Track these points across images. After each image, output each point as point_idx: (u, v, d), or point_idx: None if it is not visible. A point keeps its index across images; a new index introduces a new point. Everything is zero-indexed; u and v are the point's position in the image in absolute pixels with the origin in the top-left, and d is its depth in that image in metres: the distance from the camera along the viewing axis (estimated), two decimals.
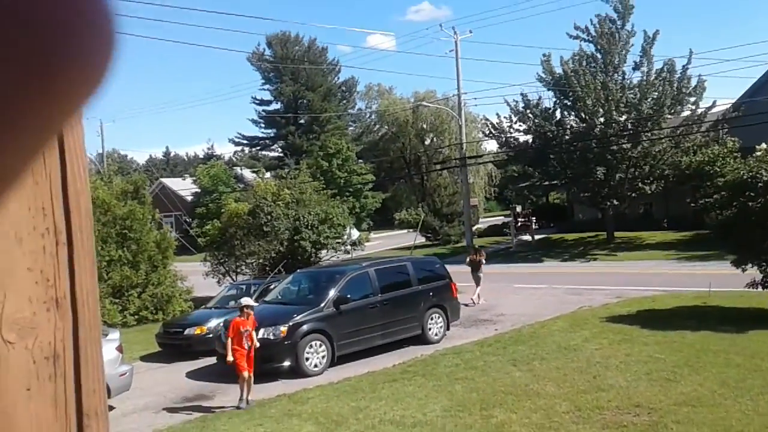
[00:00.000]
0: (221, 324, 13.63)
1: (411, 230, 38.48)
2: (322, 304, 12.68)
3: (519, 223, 38.65)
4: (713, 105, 30.57)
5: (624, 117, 30.22)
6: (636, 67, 31.33)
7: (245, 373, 9.90)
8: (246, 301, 10.70)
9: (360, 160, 51.54)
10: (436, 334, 14.14)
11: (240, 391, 10.05)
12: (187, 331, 14.54)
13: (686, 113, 31.21)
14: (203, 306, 17.13)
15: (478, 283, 19.01)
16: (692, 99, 30.69)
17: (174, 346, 14.63)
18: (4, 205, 0.89)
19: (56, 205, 0.97)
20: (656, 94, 29.93)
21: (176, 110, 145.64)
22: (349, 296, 12.93)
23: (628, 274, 23.44)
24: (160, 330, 15.44)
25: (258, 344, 10.34)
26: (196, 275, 22.24)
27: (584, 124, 31.03)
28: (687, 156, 30.50)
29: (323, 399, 9.96)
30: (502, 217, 49.81)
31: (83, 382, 0.98)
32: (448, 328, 14.50)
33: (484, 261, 19.68)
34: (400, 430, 8.20)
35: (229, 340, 10.05)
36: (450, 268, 16.76)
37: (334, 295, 12.82)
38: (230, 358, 9.91)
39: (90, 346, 1.00)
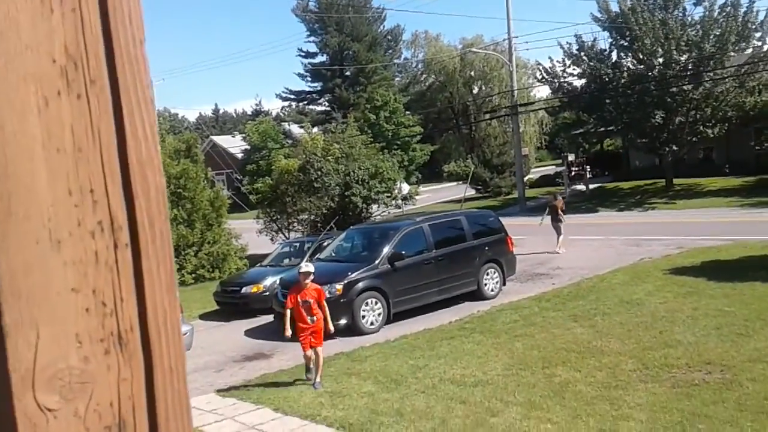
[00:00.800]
0: (277, 282, 13.71)
1: (460, 183, 37.96)
2: (377, 261, 12.59)
3: (572, 173, 37.70)
4: None
5: (684, 56, 28.77)
6: (698, 2, 29.67)
7: (308, 352, 8.76)
8: (305, 267, 9.08)
9: (407, 112, 50.82)
10: (492, 290, 13.94)
11: (306, 368, 9.01)
12: (244, 290, 14.70)
13: (751, 50, 29.54)
14: (259, 264, 17.28)
15: (558, 232, 18.69)
16: (758, 34, 29.00)
17: (232, 304, 14.83)
18: (29, 188, 0.60)
19: (112, 185, 0.66)
20: (719, 30, 28.33)
21: (224, 66, 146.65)
22: (403, 252, 12.79)
23: (689, 222, 22.63)
24: (217, 288, 15.67)
25: (322, 314, 8.91)
26: (249, 233, 22.47)
27: (642, 66, 29.74)
28: (752, 96, 29.06)
29: (381, 357, 9.91)
30: (553, 167, 48.77)
31: None
32: (504, 283, 14.28)
33: (563, 207, 19.24)
34: (461, 389, 8.08)
35: (288, 312, 8.75)
36: (502, 220, 16.42)
37: (388, 252, 12.70)
38: (288, 332, 8.74)
39: (172, 402, 0.70)
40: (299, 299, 8.72)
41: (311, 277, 8.83)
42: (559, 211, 18.88)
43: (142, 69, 0.69)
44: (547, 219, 19.18)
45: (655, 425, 6.47)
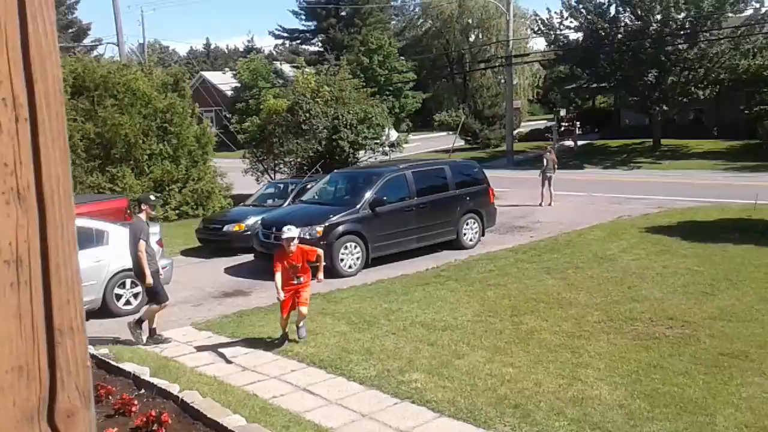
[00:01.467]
0: (259, 222, 13.83)
1: (451, 133, 37.88)
2: (358, 206, 12.70)
3: (562, 128, 37.69)
4: None
5: (683, 15, 28.51)
6: None
7: (286, 315, 8.23)
8: (288, 232, 8.17)
9: (401, 57, 50.14)
10: (470, 240, 14.14)
11: (281, 335, 8.32)
12: (226, 228, 14.81)
13: (749, 12, 29.28)
14: (242, 203, 17.36)
15: (550, 184, 19.12)
16: None
17: (213, 241, 14.97)
18: None
19: (15, 69, 0.79)
20: None
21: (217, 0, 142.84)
22: (385, 198, 12.90)
23: (672, 183, 22.88)
24: (200, 225, 15.77)
25: (317, 279, 8.49)
26: (235, 172, 22.47)
27: (639, 22, 29.48)
28: (746, 59, 28.94)
29: (356, 299, 10.14)
30: (545, 121, 48.65)
31: (54, 291, 0.82)
32: (483, 234, 14.47)
33: (555, 160, 19.74)
34: (430, 332, 8.32)
35: (278, 275, 8.05)
36: (489, 173, 16.53)
37: (370, 197, 12.80)
38: (282, 296, 8.04)
39: (62, 248, 0.84)
40: (286, 265, 8.12)
41: (295, 241, 8.16)
42: (553, 164, 19.29)
43: None
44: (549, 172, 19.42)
45: (611, 373, 6.75)
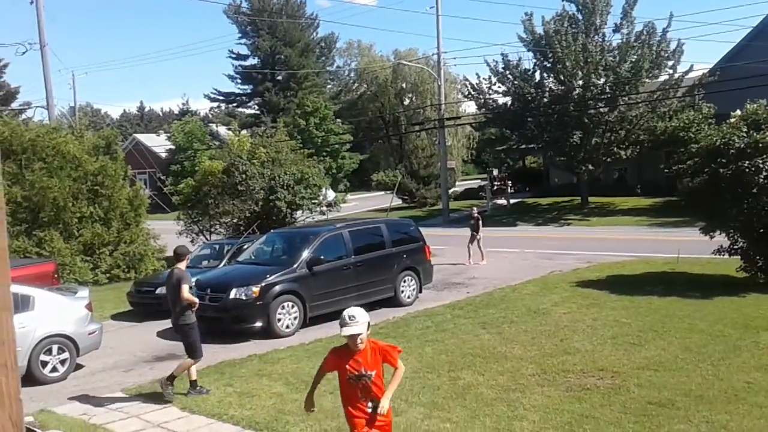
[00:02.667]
0: (192, 283, 13.56)
1: (388, 192, 38.46)
2: (295, 265, 12.66)
3: (495, 187, 38.81)
4: (690, 69, 30.69)
5: (602, 80, 30.22)
6: (616, 29, 31.25)
7: None
8: (353, 324, 4.82)
9: (338, 120, 51.01)
10: (408, 297, 14.25)
11: None
12: (158, 290, 14.41)
13: (664, 77, 31.27)
14: None
15: (478, 244, 19.50)
16: (670, 63, 30.71)
17: (145, 305, 14.56)
18: None
19: None
20: (635, 57, 29.91)
21: (151, 64, 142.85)
22: (322, 257, 12.90)
23: (600, 239, 23.75)
24: (131, 289, 15.36)
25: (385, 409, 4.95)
26: (169, 234, 22.07)
27: (563, 87, 31.02)
28: (662, 121, 30.72)
29: (294, 360, 10.02)
30: (479, 181, 49.96)
31: None
32: (420, 291, 14.61)
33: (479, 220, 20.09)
34: None
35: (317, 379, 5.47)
36: (425, 231, 16.85)
37: (307, 256, 12.80)
38: (312, 409, 5.51)
39: None
40: (349, 372, 5.01)
41: (363, 336, 4.91)
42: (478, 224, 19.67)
43: None
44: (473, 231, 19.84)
45: (545, 425, 6.86)
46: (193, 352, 8.70)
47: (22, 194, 17.89)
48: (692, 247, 17.46)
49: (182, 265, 8.94)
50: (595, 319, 11.50)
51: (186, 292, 8.57)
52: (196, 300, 8.87)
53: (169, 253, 21.10)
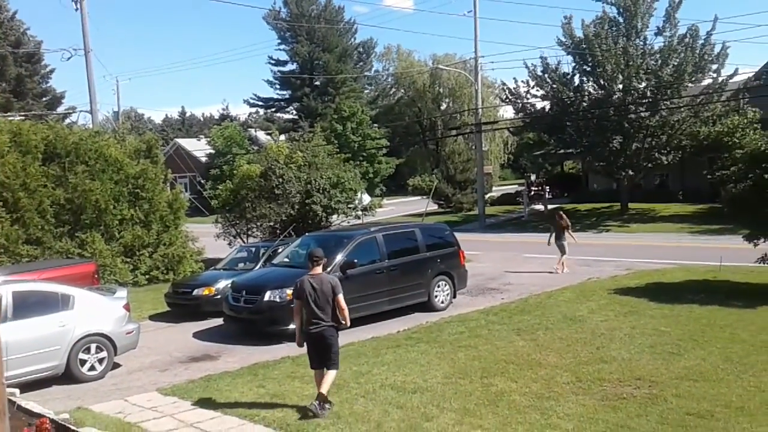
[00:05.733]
0: (229, 285, 13.73)
1: (424, 197, 38.36)
2: (329, 268, 12.68)
3: (532, 192, 38.42)
4: (735, 73, 29.92)
5: (644, 84, 29.67)
6: (659, 32, 30.67)
7: None
8: None
9: (375, 125, 51.13)
10: (442, 302, 14.16)
11: None
12: (195, 292, 14.66)
13: (707, 81, 30.57)
14: (213, 267, 17.25)
15: (562, 251, 18.33)
16: (714, 66, 30.00)
17: (182, 306, 14.77)
18: None
19: None
20: (677, 60, 29.29)
21: (193, 70, 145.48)
22: (356, 261, 12.89)
23: (640, 246, 23.30)
24: (169, 290, 15.59)
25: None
26: (207, 237, 22.39)
27: (603, 91, 30.56)
28: (706, 126, 30.02)
29: None
30: (516, 186, 49.51)
31: None
32: (454, 296, 14.51)
33: (568, 225, 18.78)
34: (400, 395, 8.25)
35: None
36: (461, 236, 16.73)
37: (341, 260, 12.81)
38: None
39: None
40: None
41: None
42: (566, 231, 18.53)
43: None
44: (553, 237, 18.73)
45: None
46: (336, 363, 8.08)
47: (65, 197, 18.32)
48: (735, 255, 17.00)
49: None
50: (633, 327, 11.27)
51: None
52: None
53: (209, 255, 21.51)
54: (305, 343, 8.07)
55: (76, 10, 25.58)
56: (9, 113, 33.19)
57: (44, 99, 48.13)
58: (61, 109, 45.44)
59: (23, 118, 24.94)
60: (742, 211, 14.02)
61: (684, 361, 9.17)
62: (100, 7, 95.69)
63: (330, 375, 7.90)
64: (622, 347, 10.03)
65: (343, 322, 8.04)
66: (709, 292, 13.93)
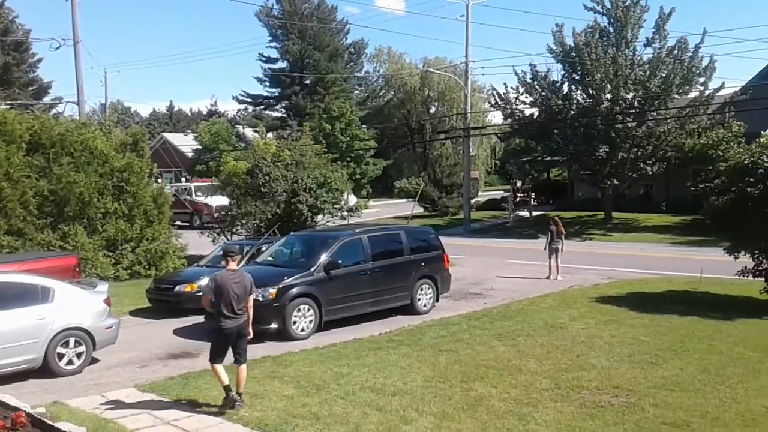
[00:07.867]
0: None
1: (410, 199, 38.42)
2: (313, 268, 12.67)
3: (518, 198, 38.55)
4: (721, 86, 30.19)
5: (631, 94, 29.92)
6: (648, 43, 30.94)
7: None
8: None
9: (363, 126, 51.09)
10: (425, 305, 14.18)
11: None
12: (177, 288, 14.56)
13: (694, 94, 30.85)
14: (195, 264, 17.15)
15: (557, 257, 18.34)
16: (701, 79, 30.29)
17: (164, 302, 14.67)
18: None
19: None
20: (665, 72, 29.56)
21: (182, 64, 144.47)
22: (340, 262, 12.89)
23: (622, 255, 23.47)
24: (150, 285, 15.48)
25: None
26: (191, 233, 22.29)
27: (591, 100, 30.77)
28: (691, 138, 30.29)
29: (307, 363, 10.01)
30: (502, 191, 49.67)
31: None
32: (437, 300, 14.54)
33: (562, 231, 18.75)
34: (380, 397, 8.25)
35: None
36: (446, 240, 16.78)
37: (325, 260, 12.80)
38: None
39: None
40: None
41: None
42: (559, 236, 18.50)
43: None
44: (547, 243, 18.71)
45: None
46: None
47: (48, 188, 18.13)
48: (716, 267, 17.18)
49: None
50: (613, 335, 11.36)
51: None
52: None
53: (192, 251, 21.37)
54: (217, 338, 8.22)
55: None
56: None
57: (31, 88, 47.64)
58: (47, 99, 44.95)
59: (9, 107, 24.58)
60: (724, 224, 14.18)
61: (662, 371, 9.25)
62: None
63: (245, 370, 8.19)
64: (601, 355, 10.10)
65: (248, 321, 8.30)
66: (689, 303, 14.07)
